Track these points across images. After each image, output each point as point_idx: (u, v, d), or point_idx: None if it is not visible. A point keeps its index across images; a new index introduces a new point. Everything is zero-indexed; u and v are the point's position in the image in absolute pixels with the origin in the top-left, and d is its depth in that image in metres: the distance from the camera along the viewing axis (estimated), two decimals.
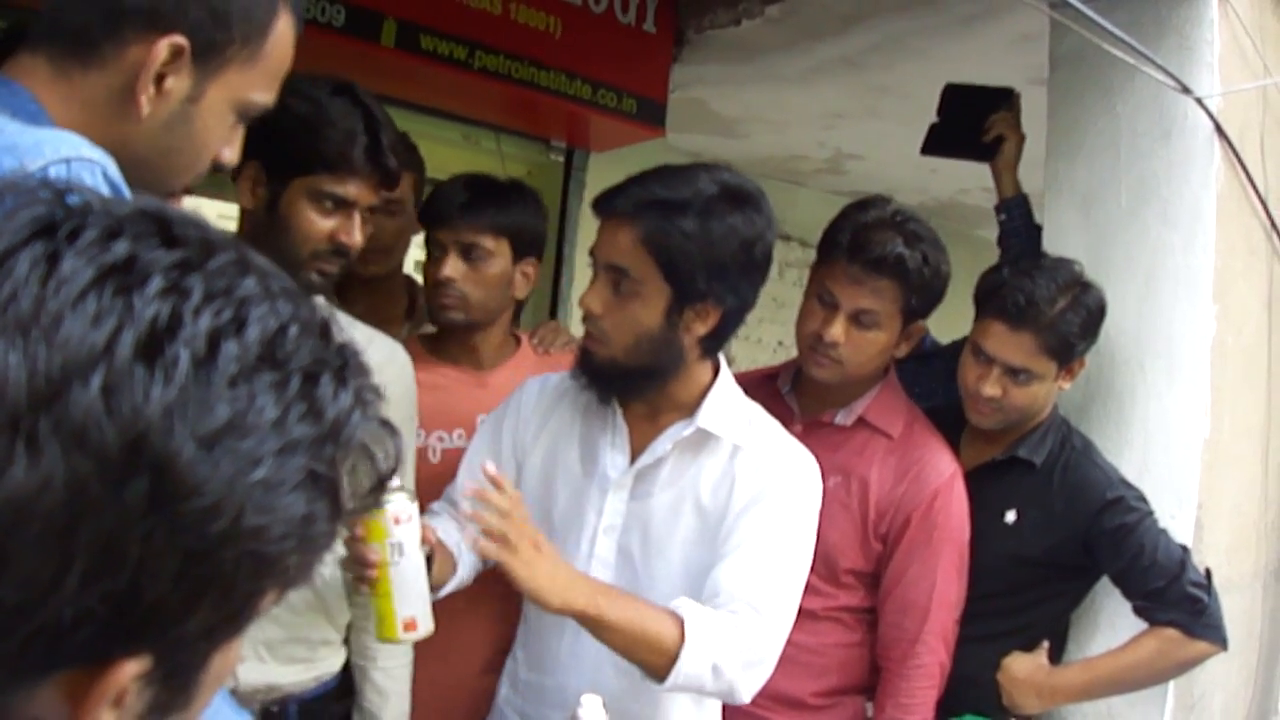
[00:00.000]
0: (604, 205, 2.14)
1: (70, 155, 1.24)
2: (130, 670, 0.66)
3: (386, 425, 0.77)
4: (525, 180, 4.79)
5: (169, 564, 0.64)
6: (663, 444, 2.21)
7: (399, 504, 1.93)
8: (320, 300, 2.35)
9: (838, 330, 2.53)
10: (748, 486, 2.17)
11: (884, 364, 2.70)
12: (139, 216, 0.70)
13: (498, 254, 2.69)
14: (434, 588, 2.10)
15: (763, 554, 2.13)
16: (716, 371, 2.26)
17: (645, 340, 2.12)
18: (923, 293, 2.56)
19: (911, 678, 2.58)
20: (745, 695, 2.10)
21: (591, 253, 2.17)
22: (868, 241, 2.52)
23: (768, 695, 2.43)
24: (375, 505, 1.86)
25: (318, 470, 0.70)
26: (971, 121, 3.36)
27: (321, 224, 2.21)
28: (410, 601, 1.97)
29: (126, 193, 1.29)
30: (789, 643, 2.18)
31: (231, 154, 1.54)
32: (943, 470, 2.63)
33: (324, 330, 0.74)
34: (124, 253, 0.67)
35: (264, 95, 1.49)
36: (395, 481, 1.91)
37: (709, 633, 2.02)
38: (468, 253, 2.66)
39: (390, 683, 2.49)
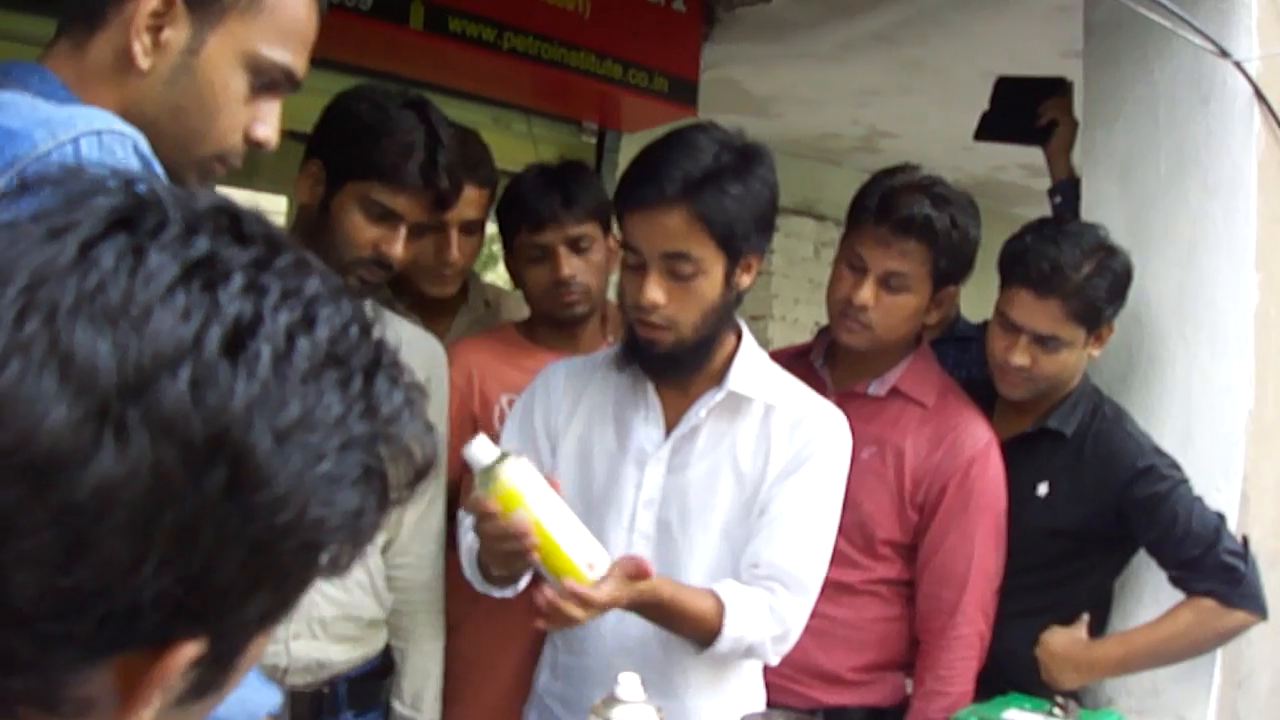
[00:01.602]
0: (644, 195, 2.11)
1: (102, 128, 1.25)
2: (188, 653, 0.68)
3: (428, 425, 0.79)
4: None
5: (237, 551, 0.66)
6: (696, 412, 2.24)
7: (515, 465, 1.93)
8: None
9: (867, 293, 2.54)
10: (783, 449, 2.22)
11: (915, 331, 2.69)
12: (213, 212, 0.71)
13: (598, 238, 2.73)
14: (517, 576, 2.17)
15: (800, 526, 2.21)
16: (739, 337, 2.28)
17: (710, 312, 2.15)
18: (952, 255, 2.57)
19: (951, 649, 2.57)
20: (773, 661, 2.24)
21: (629, 246, 2.16)
22: (895, 203, 2.53)
23: (806, 670, 2.47)
24: (494, 477, 1.90)
25: (372, 466, 0.72)
26: (1024, 108, 3.40)
27: (366, 231, 2.25)
28: (580, 543, 1.96)
29: (158, 167, 1.29)
30: (826, 617, 2.27)
31: (267, 131, 1.50)
32: (978, 438, 2.62)
33: (373, 330, 0.76)
34: (205, 249, 0.68)
35: (278, 52, 1.46)
36: (495, 452, 1.93)
37: (745, 618, 2.13)
38: (576, 245, 2.69)
39: (431, 664, 2.54)
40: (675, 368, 2.22)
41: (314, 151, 2.33)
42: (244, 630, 0.73)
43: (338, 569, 0.75)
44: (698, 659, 2.19)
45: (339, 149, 2.28)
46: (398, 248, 2.26)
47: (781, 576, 2.18)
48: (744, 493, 2.23)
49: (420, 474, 0.79)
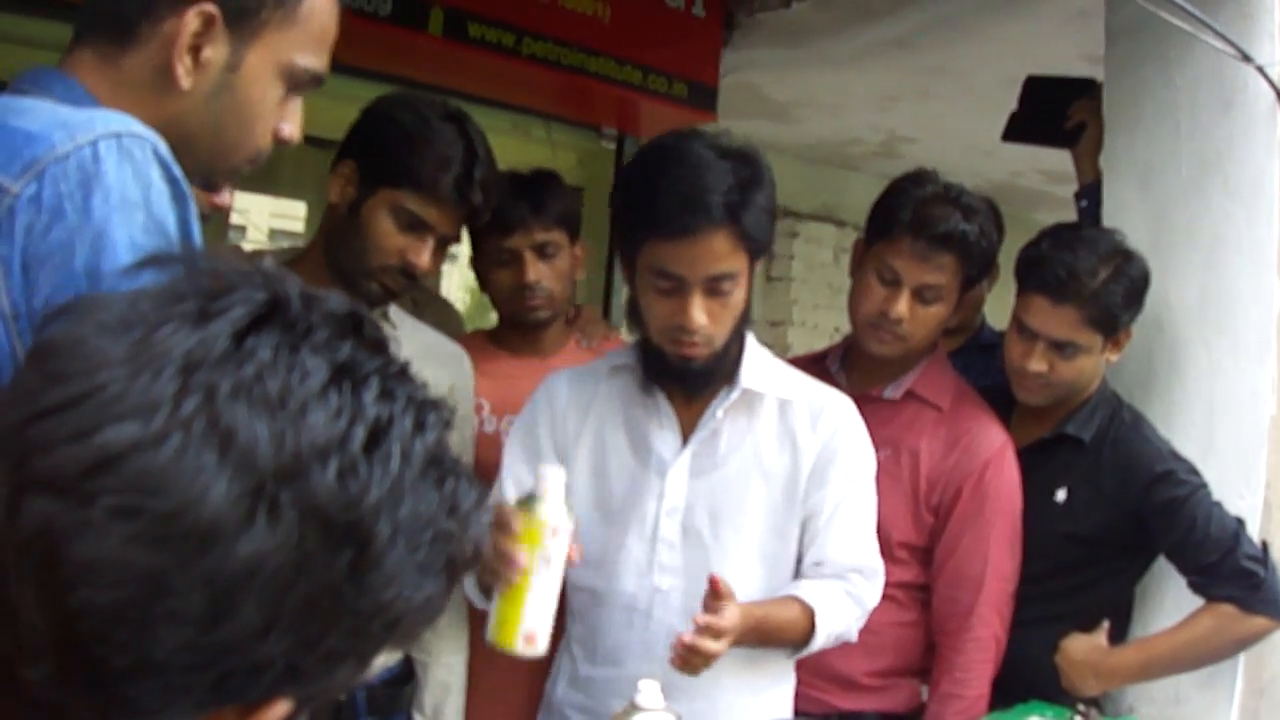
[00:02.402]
0: (689, 224, 2.07)
1: (121, 131, 1.24)
2: (281, 710, 0.75)
3: (485, 524, 0.86)
4: (577, 169, 4.79)
5: (345, 623, 0.74)
6: (713, 414, 2.25)
7: (558, 515, 1.91)
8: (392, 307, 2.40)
9: (903, 307, 2.55)
10: (810, 442, 2.26)
11: (938, 339, 2.71)
12: (346, 318, 0.79)
13: (564, 245, 2.77)
14: None
15: (854, 518, 2.27)
16: (742, 337, 2.28)
17: (741, 320, 2.19)
18: (979, 264, 2.61)
19: (966, 651, 2.57)
20: (854, 638, 2.32)
21: (663, 273, 2.12)
22: (930, 218, 2.53)
23: (821, 674, 2.49)
24: (536, 510, 1.89)
25: (452, 557, 0.81)
26: (1052, 110, 3.37)
27: (395, 239, 2.26)
28: (538, 616, 1.93)
29: (176, 170, 1.29)
30: None
31: (292, 129, 1.51)
32: (993, 440, 2.63)
33: (448, 429, 0.84)
34: (348, 355, 0.76)
35: (310, 60, 1.46)
36: (558, 492, 1.92)
37: (832, 615, 2.21)
38: (543, 251, 2.73)
39: (452, 678, 2.54)
40: (708, 379, 2.23)
41: (349, 153, 2.33)
42: (326, 694, 0.79)
43: (403, 643, 0.83)
44: (728, 658, 2.20)
45: (375, 154, 2.28)
46: (425, 257, 2.27)
47: (853, 567, 2.26)
48: (773, 490, 2.26)
49: (469, 565, 0.85)
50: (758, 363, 2.28)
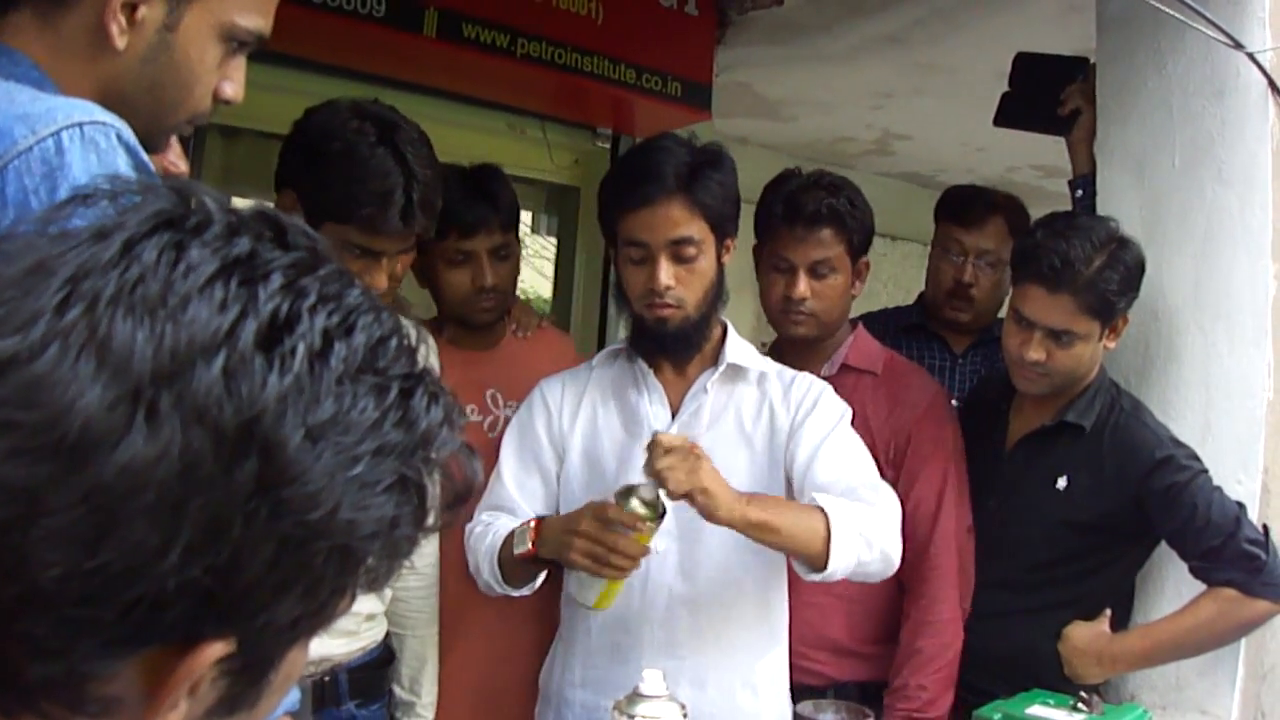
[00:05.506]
0: (646, 193, 2.35)
1: (83, 120, 1.23)
2: (215, 651, 0.68)
3: (468, 447, 0.80)
4: (573, 168, 4.79)
5: (266, 547, 0.67)
6: (701, 387, 2.47)
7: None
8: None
9: (803, 287, 2.75)
10: (783, 406, 2.45)
11: (848, 310, 2.89)
12: (257, 219, 0.74)
13: (514, 244, 2.79)
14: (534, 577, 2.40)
15: (842, 449, 2.40)
16: (724, 328, 2.53)
17: (710, 288, 2.42)
18: (859, 231, 2.80)
19: (930, 579, 2.69)
20: (896, 558, 2.32)
21: (632, 242, 2.39)
22: (800, 202, 2.76)
23: (809, 641, 2.63)
24: (651, 521, 2.11)
25: (408, 476, 0.74)
26: (1045, 92, 3.32)
27: (349, 266, 2.18)
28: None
29: (144, 156, 1.28)
30: (832, 591, 2.49)
31: (234, 89, 1.49)
32: (927, 388, 2.88)
33: (413, 350, 0.78)
34: (246, 249, 0.70)
35: (252, 19, 1.44)
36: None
37: (847, 511, 2.23)
38: (498, 253, 2.73)
39: (427, 649, 2.63)
40: (684, 343, 2.44)
41: (287, 181, 2.28)
42: (274, 637, 0.73)
43: (375, 583, 0.76)
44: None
45: (312, 191, 2.22)
46: (380, 280, 2.24)
47: (857, 484, 2.33)
48: (756, 453, 2.44)
49: (461, 497, 0.80)
50: (739, 344, 2.51)
